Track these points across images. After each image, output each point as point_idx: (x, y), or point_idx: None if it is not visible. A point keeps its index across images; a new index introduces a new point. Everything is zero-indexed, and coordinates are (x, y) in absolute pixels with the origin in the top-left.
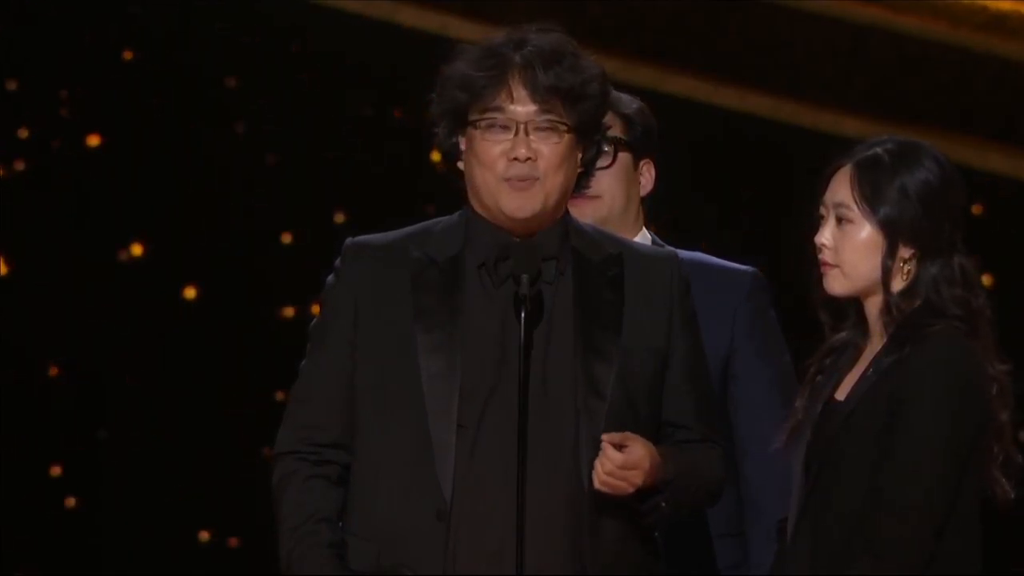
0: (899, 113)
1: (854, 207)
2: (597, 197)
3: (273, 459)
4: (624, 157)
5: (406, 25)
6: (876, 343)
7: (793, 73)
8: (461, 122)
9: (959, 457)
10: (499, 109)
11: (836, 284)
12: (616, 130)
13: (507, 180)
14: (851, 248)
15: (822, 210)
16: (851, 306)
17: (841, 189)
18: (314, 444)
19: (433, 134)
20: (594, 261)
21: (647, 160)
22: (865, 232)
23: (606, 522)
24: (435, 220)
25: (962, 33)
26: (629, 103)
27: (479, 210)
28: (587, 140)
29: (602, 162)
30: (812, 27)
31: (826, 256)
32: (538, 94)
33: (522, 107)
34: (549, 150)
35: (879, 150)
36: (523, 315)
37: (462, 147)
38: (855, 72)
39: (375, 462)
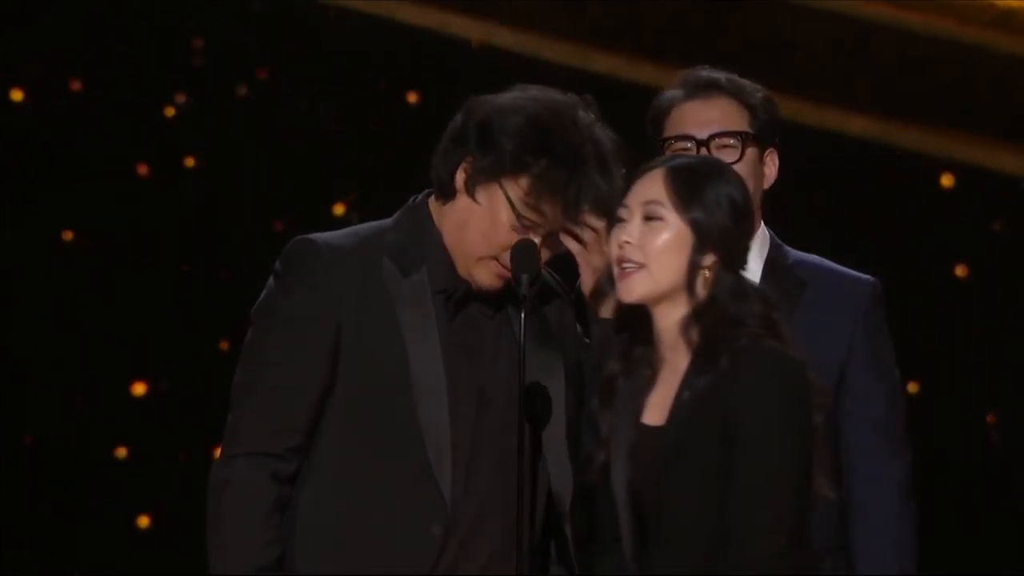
0: (904, 112)
1: (667, 204)
2: None
3: (230, 457)
4: (751, 151)
5: (407, 22)
6: (676, 359)
7: (796, 71)
8: (497, 178)
9: (805, 466)
10: (542, 215)
11: (639, 286)
12: (743, 123)
13: (498, 264)
14: (659, 244)
15: (623, 212)
16: (630, 319)
17: (653, 188)
18: (284, 447)
19: (444, 163)
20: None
21: (771, 150)
22: (675, 229)
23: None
24: (378, 227)
25: (968, 31)
26: (753, 92)
27: (449, 243)
28: None
29: (729, 156)
30: (815, 25)
31: (630, 253)
32: (573, 217)
33: (556, 222)
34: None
35: (690, 160)
36: (523, 316)
37: (472, 191)
38: (859, 70)
39: (360, 477)
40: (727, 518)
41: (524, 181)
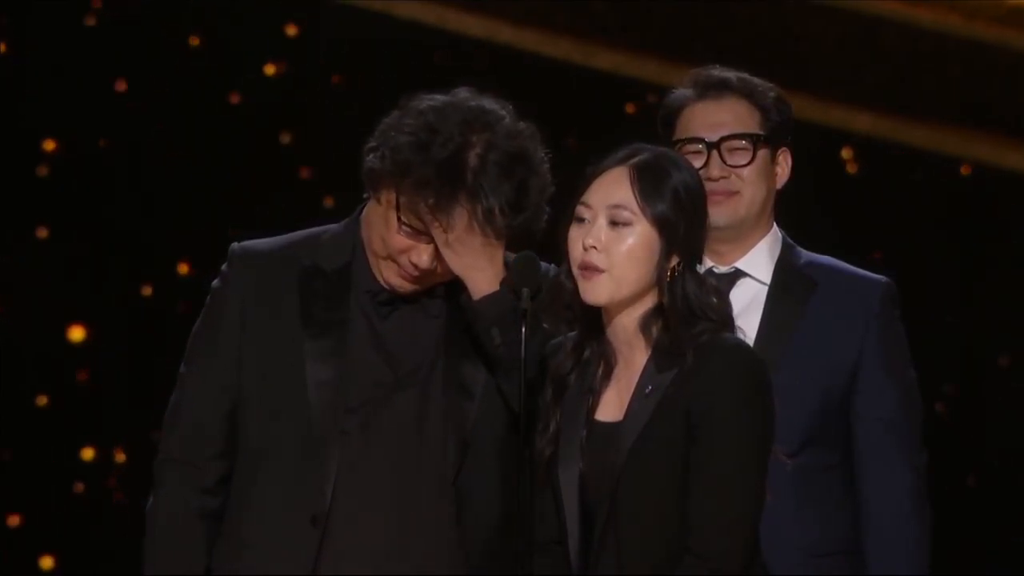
0: (912, 109)
1: (635, 208)
2: (735, 193)
3: (160, 460)
4: (762, 152)
5: (406, 17)
6: (633, 355)
7: (802, 68)
8: (389, 181)
9: (765, 463)
10: (423, 224)
11: (602, 291)
12: (754, 124)
13: (398, 267)
14: (625, 251)
15: (584, 212)
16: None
17: (618, 191)
18: (205, 455)
19: (364, 157)
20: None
21: (783, 150)
22: (643, 235)
23: (479, 520)
24: (323, 228)
25: (977, 27)
26: (765, 92)
27: (368, 245)
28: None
29: (740, 159)
30: (822, 20)
31: (595, 259)
32: (473, 227)
33: (446, 230)
34: (449, 266)
35: (647, 155)
36: (523, 330)
37: (378, 191)
38: (866, 66)
39: (255, 468)
40: (689, 512)
41: (408, 187)
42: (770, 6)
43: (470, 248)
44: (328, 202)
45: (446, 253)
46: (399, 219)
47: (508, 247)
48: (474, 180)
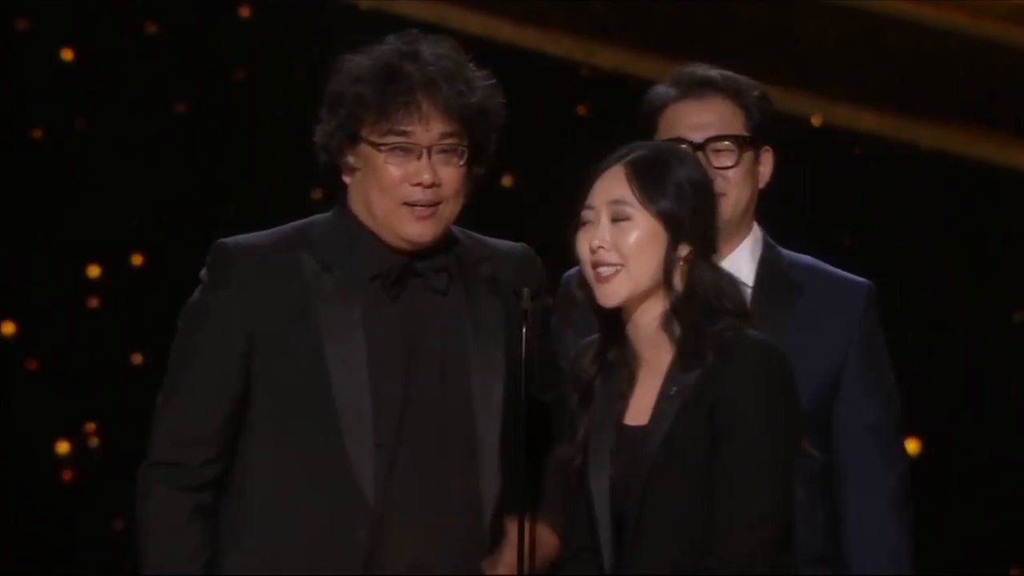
0: (916, 108)
1: (634, 202)
2: (721, 195)
3: (148, 465)
4: (747, 153)
5: (406, 15)
6: (657, 356)
7: (805, 66)
8: (354, 139)
9: (793, 459)
10: (403, 133)
11: (620, 288)
12: (738, 124)
13: (409, 205)
14: (633, 243)
15: (588, 214)
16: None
17: (616, 187)
18: (200, 459)
19: (318, 147)
20: (470, 262)
21: (767, 149)
22: (646, 226)
23: (497, 528)
24: (307, 222)
25: (982, 25)
26: (749, 91)
27: (368, 224)
28: (482, 157)
29: (727, 161)
30: (824, 19)
31: (605, 256)
32: (444, 116)
33: (426, 130)
34: (452, 174)
35: (645, 151)
36: (524, 330)
37: (351, 162)
38: (870, 65)
39: (283, 483)
40: (713, 513)
41: (370, 120)
42: (771, 5)
43: None
44: (316, 195)
45: None
46: (379, 148)
47: (480, 135)
48: (422, 75)
